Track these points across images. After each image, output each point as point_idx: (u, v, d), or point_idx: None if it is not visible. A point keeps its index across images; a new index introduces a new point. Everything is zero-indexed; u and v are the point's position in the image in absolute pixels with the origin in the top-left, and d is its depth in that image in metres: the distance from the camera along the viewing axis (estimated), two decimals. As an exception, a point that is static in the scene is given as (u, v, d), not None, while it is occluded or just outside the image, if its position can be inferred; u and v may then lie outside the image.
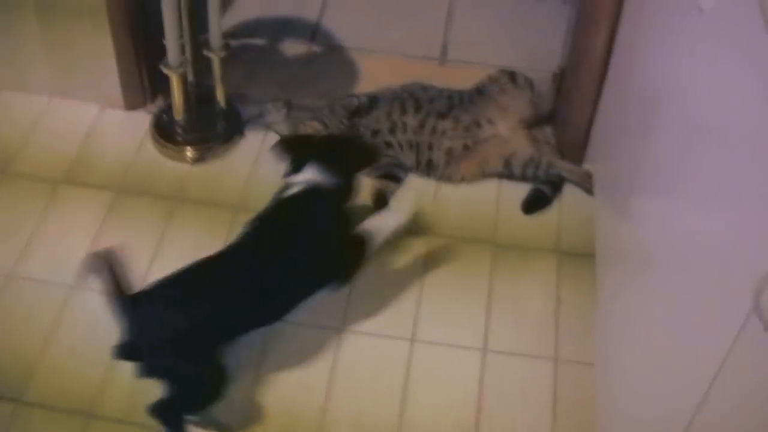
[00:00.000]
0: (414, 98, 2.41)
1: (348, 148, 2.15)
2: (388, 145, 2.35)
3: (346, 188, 1.97)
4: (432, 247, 2.22)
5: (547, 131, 2.46)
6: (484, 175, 2.37)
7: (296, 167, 1.97)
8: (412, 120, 2.36)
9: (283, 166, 2.03)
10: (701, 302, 1.32)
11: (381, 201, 2.27)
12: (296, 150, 2.03)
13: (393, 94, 2.43)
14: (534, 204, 2.32)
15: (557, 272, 2.17)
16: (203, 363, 1.78)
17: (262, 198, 2.28)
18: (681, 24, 1.59)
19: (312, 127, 2.37)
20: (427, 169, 2.36)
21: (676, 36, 1.62)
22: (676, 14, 1.63)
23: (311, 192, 1.92)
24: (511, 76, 2.46)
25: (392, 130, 2.36)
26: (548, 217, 2.30)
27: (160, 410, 1.79)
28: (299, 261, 1.86)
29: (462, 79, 2.53)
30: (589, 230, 2.24)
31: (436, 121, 2.35)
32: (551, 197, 2.33)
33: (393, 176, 2.34)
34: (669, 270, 1.53)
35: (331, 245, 1.93)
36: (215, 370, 1.79)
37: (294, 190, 1.93)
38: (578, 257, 2.20)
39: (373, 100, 2.42)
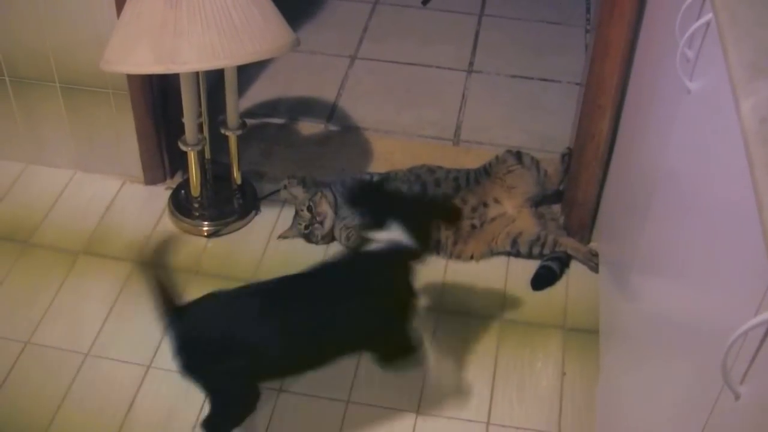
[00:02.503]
0: (421, 181, 2.45)
1: (431, 213, 2.11)
2: None
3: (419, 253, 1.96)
4: (440, 322, 2.25)
5: (554, 209, 2.50)
6: (492, 253, 2.41)
7: (377, 223, 1.91)
8: None
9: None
10: (690, 376, 1.34)
11: None
12: (379, 205, 1.98)
13: (401, 177, 2.47)
14: (543, 281, 2.35)
15: (563, 347, 2.19)
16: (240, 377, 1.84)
17: (274, 272, 2.33)
18: (672, 106, 1.63)
19: (326, 196, 2.42)
20: (436, 248, 2.39)
21: (668, 117, 1.66)
22: (668, 97, 1.68)
23: (394, 253, 1.89)
24: (518, 156, 2.49)
25: None
26: (555, 293, 2.33)
27: (207, 426, 1.88)
28: (358, 314, 1.85)
29: (474, 160, 2.58)
30: (594, 307, 2.26)
31: (443, 203, 2.39)
32: (559, 274, 2.36)
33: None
34: (660, 346, 1.55)
35: (390, 311, 1.92)
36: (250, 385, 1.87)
37: (377, 246, 1.89)
38: (584, 333, 2.22)
39: (385, 181, 2.47)
